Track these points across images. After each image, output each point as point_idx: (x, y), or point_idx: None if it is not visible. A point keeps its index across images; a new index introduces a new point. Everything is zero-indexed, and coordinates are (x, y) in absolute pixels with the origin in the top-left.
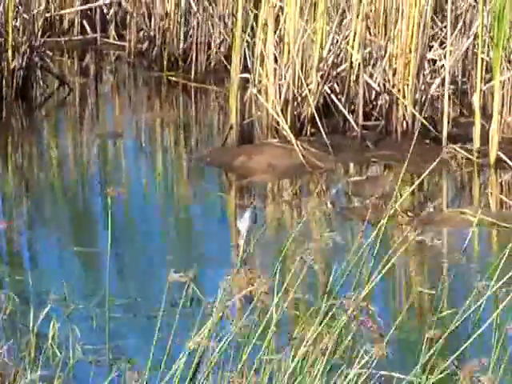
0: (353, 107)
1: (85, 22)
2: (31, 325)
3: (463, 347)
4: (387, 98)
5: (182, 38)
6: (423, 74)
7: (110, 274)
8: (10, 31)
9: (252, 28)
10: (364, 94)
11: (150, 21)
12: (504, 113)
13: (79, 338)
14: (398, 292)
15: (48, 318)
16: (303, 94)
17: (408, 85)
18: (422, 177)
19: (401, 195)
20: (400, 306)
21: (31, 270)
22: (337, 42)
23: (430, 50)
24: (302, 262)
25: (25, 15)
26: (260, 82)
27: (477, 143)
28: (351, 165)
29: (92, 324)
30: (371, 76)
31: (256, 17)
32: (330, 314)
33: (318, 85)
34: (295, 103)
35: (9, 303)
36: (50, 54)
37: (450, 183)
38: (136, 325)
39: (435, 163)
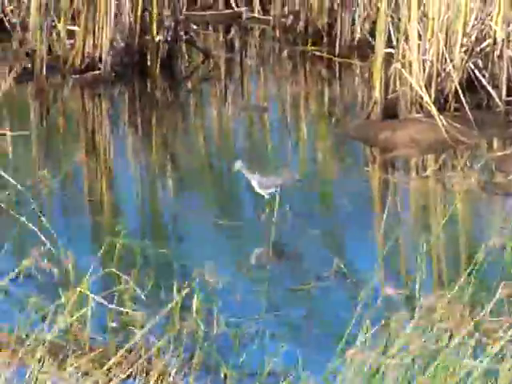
0: (496, 82)
1: None
2: (175, 298)
3: None
4: None
5: (326, 12)
6: None
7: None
8: (155, 5)
9: (396, 3)
10: (508, 69)
11: None
12: None
13: (223, 310)
14: None
15: (192, 291)
16: (447, 70)
17: None
18: None
19: None
20: None
21: (176, 243)
22: (480, 18)
23: None
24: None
25: None
26: (404, 57)
27: None
28: (495, 140)
29: (236, 297)
30: None
31: None
32: None
33: (462, 60)
34: (439, 78)
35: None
36: (195, 27)
37: None
38: (282, 298)
39: None
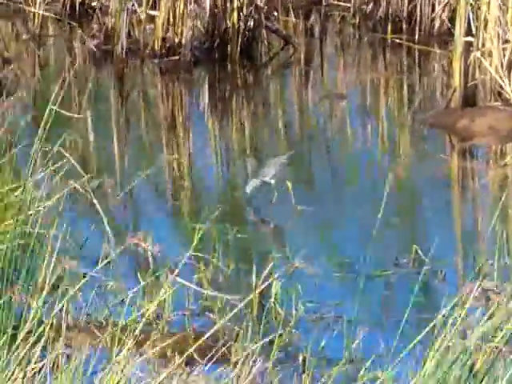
0: None
1: None
2: (254, 283)
3: None
4: None
5: (406, 0)
6: None
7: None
8: None
9: None
10: None
11: None
12: None
13: (302, 296)
14: None
15: (271, 276)
16: None
17: None
18: None
19: None
20: None
21: (255, 227)
22: None
23: None
24: None
25: None
26: (484, 45)
27: None
28: None
29: (314, 282)
30: None
31: None
32: None
33: None
34: None
35: (230, 261)
36: (275, 13)
37: None
38: (356, 284)
39: None
